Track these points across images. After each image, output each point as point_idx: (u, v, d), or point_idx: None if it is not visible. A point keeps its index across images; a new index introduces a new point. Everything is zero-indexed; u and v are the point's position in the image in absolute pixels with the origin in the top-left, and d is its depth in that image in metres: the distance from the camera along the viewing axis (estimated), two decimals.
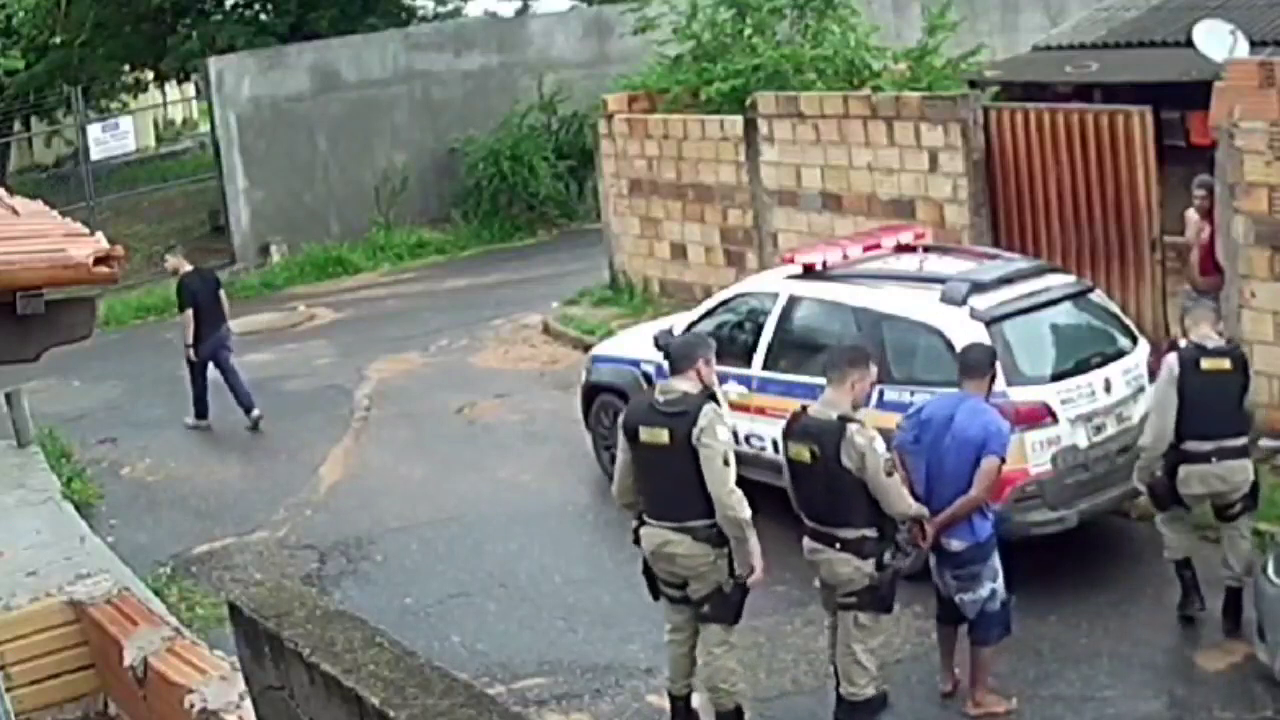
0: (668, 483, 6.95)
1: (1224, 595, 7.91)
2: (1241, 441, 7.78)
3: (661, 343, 9.59)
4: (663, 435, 6.90)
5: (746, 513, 6.82)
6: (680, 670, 7.31)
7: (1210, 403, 7.67)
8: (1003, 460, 7.15)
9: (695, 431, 6.77)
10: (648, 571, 7.26)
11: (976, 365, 7.43)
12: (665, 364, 7.43)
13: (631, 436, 7.07)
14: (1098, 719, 7.21)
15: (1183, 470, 7.77)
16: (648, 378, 7.70)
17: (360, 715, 2.91)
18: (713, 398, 7.03)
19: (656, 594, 7.29)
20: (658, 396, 7.11)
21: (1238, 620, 7.78)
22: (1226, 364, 7.79)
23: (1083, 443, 8.43)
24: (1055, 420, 8.34)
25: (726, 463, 6.80)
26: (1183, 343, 7.96)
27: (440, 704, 2.82)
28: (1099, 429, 8.52)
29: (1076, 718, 7.24)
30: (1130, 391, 8.66)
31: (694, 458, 6.79)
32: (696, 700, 7.34)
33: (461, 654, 8.40)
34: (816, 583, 7.24)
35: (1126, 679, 7.50)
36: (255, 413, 13.27)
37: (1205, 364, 7.71)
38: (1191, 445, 7.71)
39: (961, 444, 7.10)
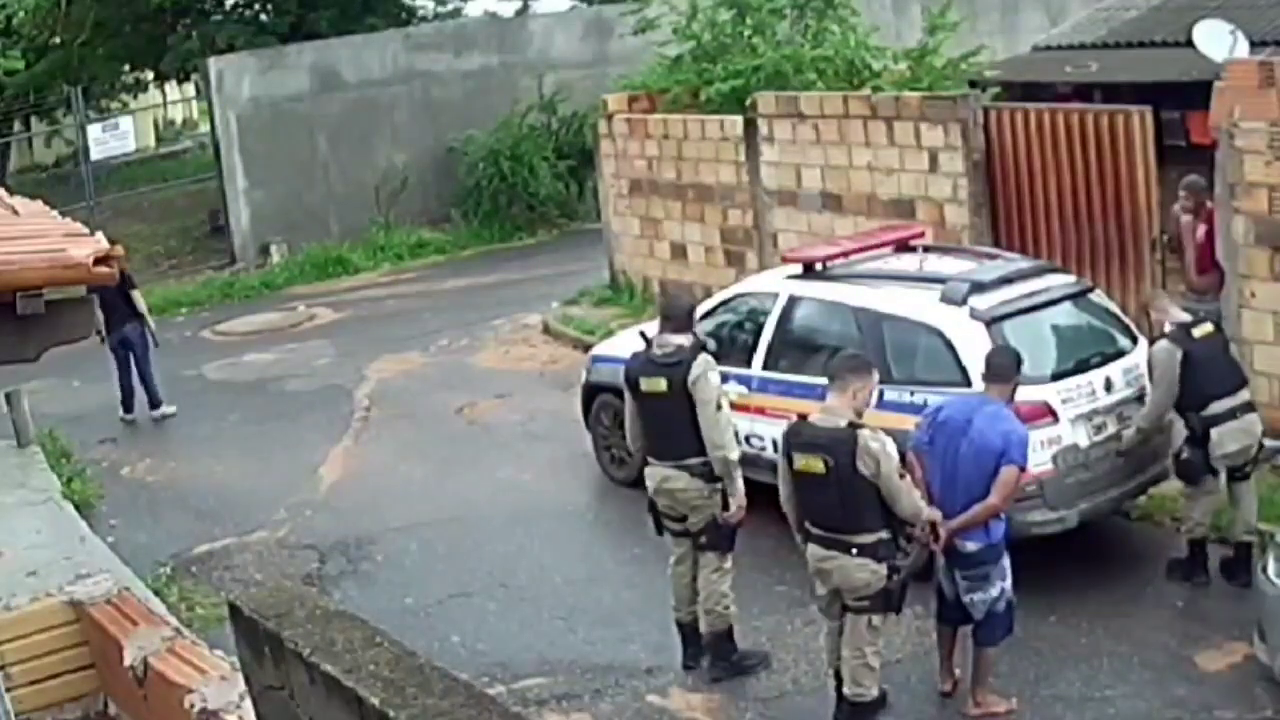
0: (666, 426, 7.73)
1: (1234, 551, 8.38)
2: (1248, 395, 8.35)
3: None
4: (660, 384, 7.68)
5: (735, 453, 7.61)
6: (684, 598, 8.04)
7: (1215, 363, 8.24)
8: (1022, 469, 7.13)
9: (690, 379, 7.55)
10: (653, 508, 7.99)
11: (1001, 371, 7.39)
12: (660, 320, 8.11)
13: (633, 387, 7.88)
14: (1098, 719, 7.22)
15: (1214, 433, 8.15)
16: (644, 336, 7.98)
17: (360, 715, 2.91)
18: (703, 348, 7.81)
19: (660, 529, 8.04)
20: (655, 351, 7.80)
21: (1248, 576, 8.04)
22: (1210, 327, 8.45)
23: (1084, 442, 8.43)
24: (1056, 419, 8.34)
25: (719, 407, 7.58)
26: (1168, 327, 8.36)
27: (440, 704, 2.82)
28: (1099, 428, 8.52)
29: (1077, 718, 7.24)
30: (1132, 392, 8.66)
31: (689, 403, 7.56)
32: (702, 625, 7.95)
33: (461, 654, 8.40)
34: (821, 590, 7.24)
35: (1126, 679, 7.50)
36: (130, 416, 13.85)
37: (1197, 332, 8.30)
38: (1215, 407, 8.14)
39: (980, 450, 7.07)
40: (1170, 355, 8.18)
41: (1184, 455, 8.34)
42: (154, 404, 13.82)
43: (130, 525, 11.13)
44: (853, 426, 6.88)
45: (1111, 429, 8.57)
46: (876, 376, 7.24)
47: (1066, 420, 8.37)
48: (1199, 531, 8.39)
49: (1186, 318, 8.47)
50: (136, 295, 13.64)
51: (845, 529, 6.94)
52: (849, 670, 7.11)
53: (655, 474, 7.86)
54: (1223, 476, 8.37)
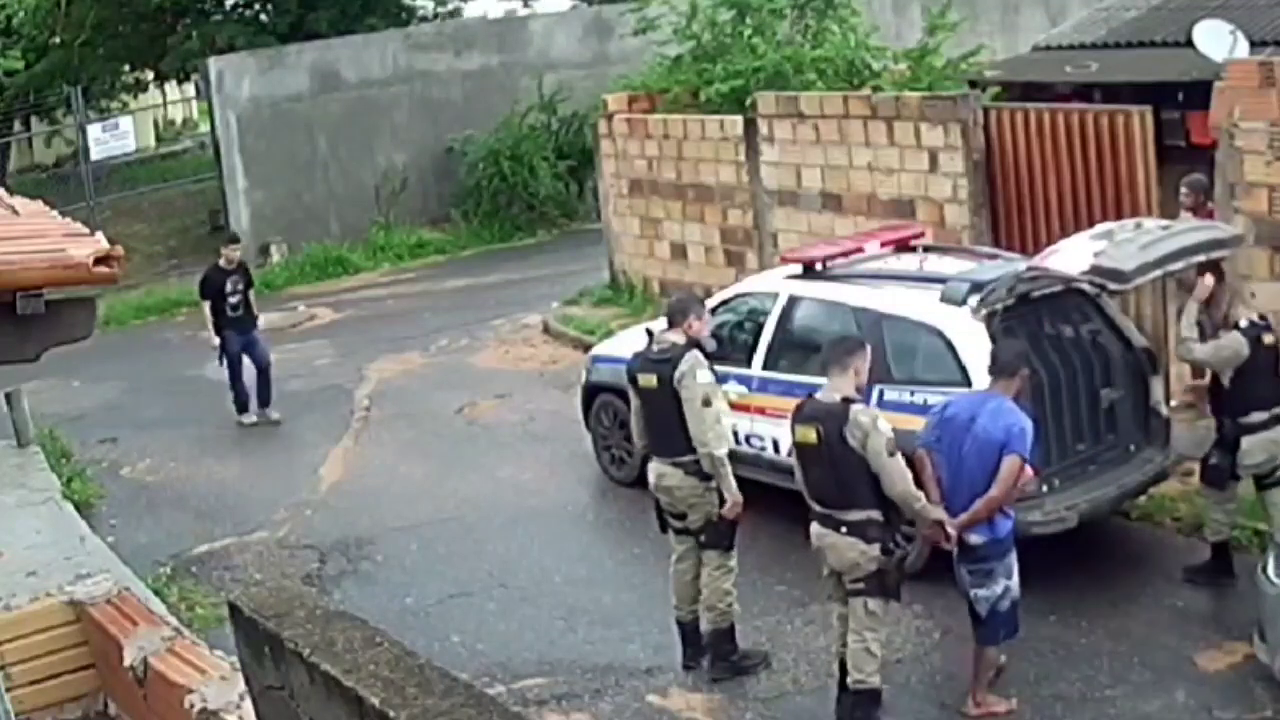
0: (661, 423, 7.84)
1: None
2: None
3: None
4: (653, 380, 7.81)
5: (721, 450, 7.60)
6: (685, 596, 8.05)
7: (1267, 374, 8.20)
8: (1024, 460, 7.15)
9: (676, 375, 7.62)
10: (657, 505, 8.07)
11: (1006, 366, 7.39)
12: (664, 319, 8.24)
13: (632, 382, 8.03)
14: (1098, 719, 7.22)
15: (1245, 442, 8.16)
16: (649, 333, 8.05)
17: (360, 715, 2.91)
18: (697, 346, 7.80)
19: (664, 526, 8.07)
20: (653, 347, 7.95)
21: None
22: (1273, 338, 8.31)
23: (1123, 235, 8.33)
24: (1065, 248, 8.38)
25: (707, 404, 7.59)
26: (1243, 322, 8.24)
27: (440, 704, 2.82)
28: (1136, 228, 8.49)
29: (1076, 718, 7.24)
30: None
31: (678, 400, 7.62)
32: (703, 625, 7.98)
33: (461, 654, 8.40)
34: (825, 571, 7.27)
35: (1126, 679, 7.50)
36: (249, 418, 13.55)
37: (1266, 339, 8.21)
38: (1255, 416, 8.14)
39: (984, 445, 7.09)
40: (1240, 346, 8.12)
41: (1213, 460, 8.33)
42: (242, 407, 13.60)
43: (130, 525, 11.13)
44: (847, 401, 7.00)
45: (1153, 234, 8.49)
46: (869, 349, 7.38)
47: (1084, 240, 8.36)
48: (1223, 534, 8.39)
49: (1254, 318, 8.38)
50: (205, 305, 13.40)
51: (836, 504, 7.01)
52: (850, 654, 7.13)
53: (654, 470, 7.96)
54: (1249, 484, 8.35)
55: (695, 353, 7.73)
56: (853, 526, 6.96)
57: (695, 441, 7.61)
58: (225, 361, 13.32)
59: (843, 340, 7.58)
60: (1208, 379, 8.70)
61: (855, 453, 6.88)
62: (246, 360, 13.42)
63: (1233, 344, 8.16)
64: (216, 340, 13.22)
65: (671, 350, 7.78)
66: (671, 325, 7.95)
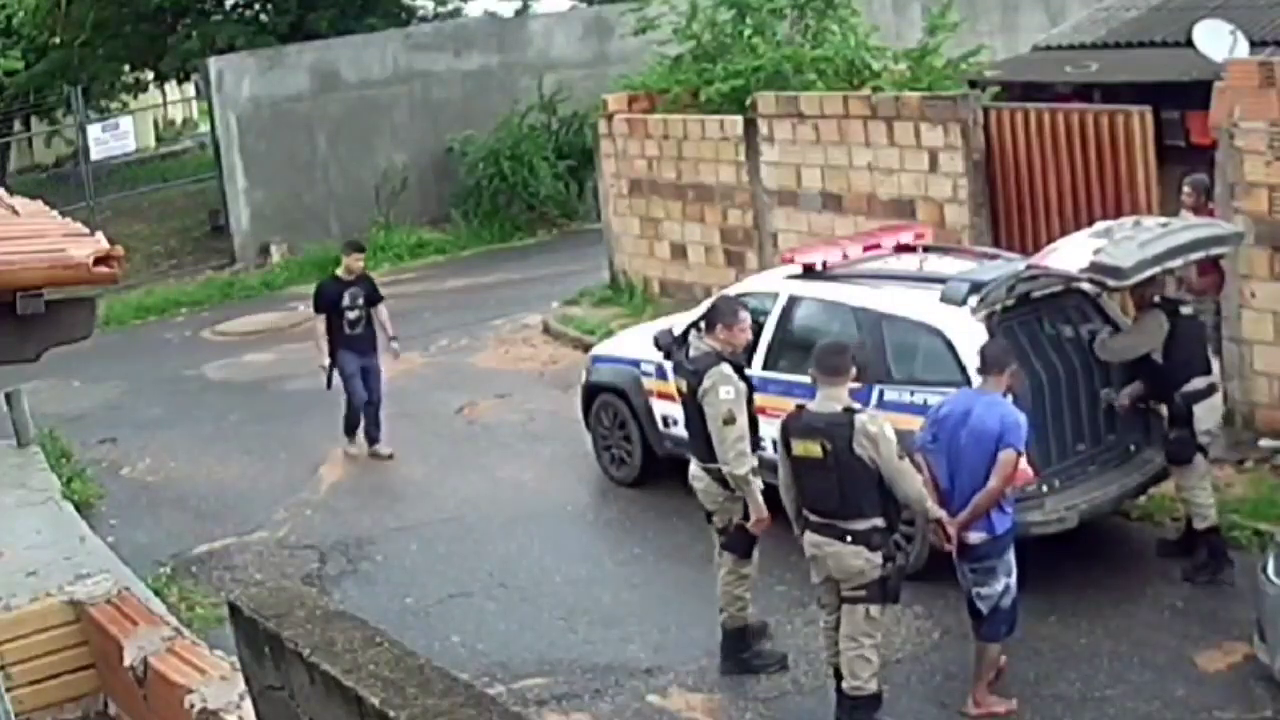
0: (690, 426, 7.96)
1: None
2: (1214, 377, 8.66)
3: (662, 343, 9.67)
4: (683, 386, 7.90)
5: (744, 468, 7.52)
6: None
7: (1196, 343, 8.49)
8: (1019, 453, 7.15)
9: (700, 391, 7.62)
10: None
11: (994, 362, 7.43)
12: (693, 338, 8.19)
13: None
14: (1098, 719, 7.22)
15: (1198, 409, 8.33)
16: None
17: (360, 715, 2.91)
18: (721, 359, 7.66)
19: (709, 517, 8.03)
20: (691, 352, 7.94)
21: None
22: (1189, 309, 8.66)
23: (1120, 233, 8.45)
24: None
25: (729, 422, 7.51)
26: (1156, 299, 8.52)
27: (440, 704, 2.82)
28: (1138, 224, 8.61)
29: (1076, 718, 7.24)
30: None
31: (701, 411, 7.66)
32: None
33: (461, 654, 8.40)
34: (816, 578, 7.26)
35: (1126, 679, 7.50)
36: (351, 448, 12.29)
37: (1184, 310, 8.51)
38: (1196, 383, 8.34)
39: (980, 436, 7.12)
40: (1160, 323, 8.35)
41: (1173, 435, 8.41)
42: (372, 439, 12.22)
43: (130, 525, 11.12)
44: (850, 411, 6.97)
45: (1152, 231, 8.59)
46: (851, 346, 7.51)
47: (1083, 238, 8.56)
48: (1210, 518, 8.41)
49: (1166, 294, 8.64)
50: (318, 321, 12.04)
51: (841, 515, 6.98)
52: (846, 662, 7.12)
53: (690, 470, 8.05)
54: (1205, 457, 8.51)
55: (721, 367, 7.63)
56: (858, 535, 6.95)
57: (719, 459, 7.61)
58: (344, 384, 11.91)
59: (836, 346, 7.49)
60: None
61: (863, 463, 6.85)
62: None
63: (1152, 319, 8.37)
64: (326, 360, 11.86)
65: (700, 359, 7.77)
66: (708, 330, 7.91)
